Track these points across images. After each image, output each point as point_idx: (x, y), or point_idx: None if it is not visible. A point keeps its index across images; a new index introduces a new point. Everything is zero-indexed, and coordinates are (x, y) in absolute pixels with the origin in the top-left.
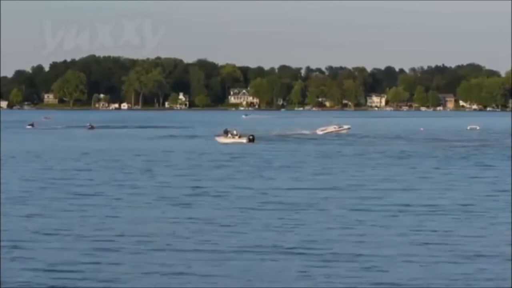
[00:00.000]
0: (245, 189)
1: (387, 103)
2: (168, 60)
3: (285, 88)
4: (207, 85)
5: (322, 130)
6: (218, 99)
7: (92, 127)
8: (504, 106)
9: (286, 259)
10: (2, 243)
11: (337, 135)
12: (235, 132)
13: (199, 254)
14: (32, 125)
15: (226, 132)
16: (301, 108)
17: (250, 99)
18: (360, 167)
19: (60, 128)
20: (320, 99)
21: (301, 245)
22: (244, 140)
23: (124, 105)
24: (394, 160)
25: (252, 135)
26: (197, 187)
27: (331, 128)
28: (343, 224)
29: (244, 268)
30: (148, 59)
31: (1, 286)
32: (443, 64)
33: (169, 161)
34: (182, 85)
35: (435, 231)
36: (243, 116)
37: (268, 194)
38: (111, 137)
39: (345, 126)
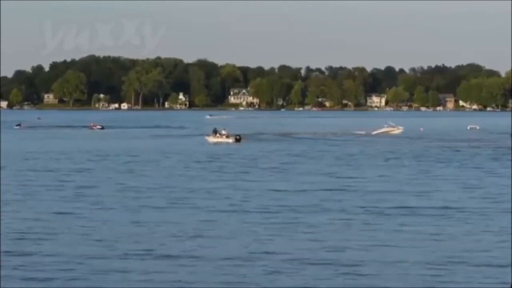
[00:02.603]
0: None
1: (387, 103)
2: (168, 60)
3: (285, 88)
4: (207, 85)
5: (377, 131)
6: (218, 99)
7: (102, 127)
8: (504, 106)
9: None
10: None
11: (389, 136)
12: (223, 132)
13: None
14: (19, 125)
15: (215, 132)
16: (301, 108)
17: (250, 99)
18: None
19: (46, 129)
20: (320, 99)
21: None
22: (230, 140)
23: (124, 105)
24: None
25: (239, 135)
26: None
27: (386, 129)
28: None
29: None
30: (148, 59)
31: (1, 286)
32: (443, 64)
33: (150, 161)
34: (182, 85)
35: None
36: (207, 117)
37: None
38: (97, 137)
39: (400, 127)
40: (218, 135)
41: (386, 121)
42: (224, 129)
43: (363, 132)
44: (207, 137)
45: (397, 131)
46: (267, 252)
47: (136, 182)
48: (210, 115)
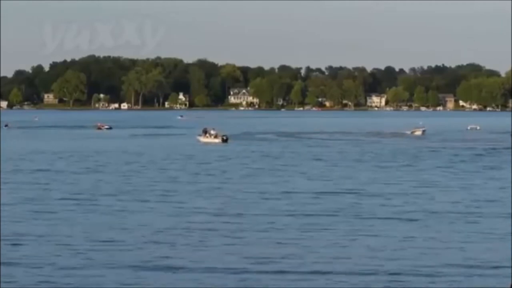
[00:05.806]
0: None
1: (387, 103)
2: (168, 60)
3: (285, 88)
4: (207, 85)
5: (412, 130)
6: (218, 99)
7: (110, 128)
8: (504, 106)
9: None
10: None
11: (413, 136)
12: (212, 132)
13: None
14: (6, 125)
15: (204, 132)
16: (301, 108)
17: (250, 99)
18: None
19: (35, 129)
20: (320, 99)
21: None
22: (218, 140)
23: (124, 105)
24: None
25: (226, 135)
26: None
27: (416, 129)
28: None
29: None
30: (148, 59)
31: (1, 286)
32: (443, 64)
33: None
34: (182, 85)
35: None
36: (179, 117)
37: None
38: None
39: (423, 128)
40: (207, 135)
41: (416, 122)
42: (213, 129)
43: (408, 132)
44: (198, 137)
45: (419, 131)
46: (268, 257)
47: (132, 182)
48: (181, 116)
